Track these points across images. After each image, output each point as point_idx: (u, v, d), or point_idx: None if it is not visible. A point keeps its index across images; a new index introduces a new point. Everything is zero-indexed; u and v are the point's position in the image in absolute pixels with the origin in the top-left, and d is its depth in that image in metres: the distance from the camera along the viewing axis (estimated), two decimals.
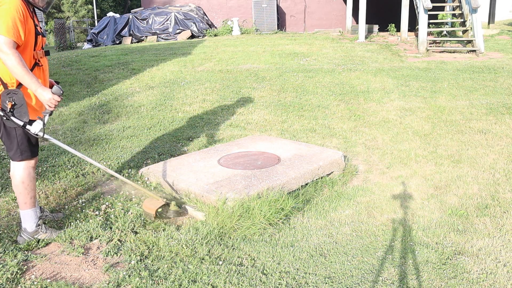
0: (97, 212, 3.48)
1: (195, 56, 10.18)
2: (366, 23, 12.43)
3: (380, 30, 14.36)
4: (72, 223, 3.32)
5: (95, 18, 28.18)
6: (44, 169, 4.40)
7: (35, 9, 3.01)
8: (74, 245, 3.07)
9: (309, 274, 2.76)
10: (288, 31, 16.78)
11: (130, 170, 4.35)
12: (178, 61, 9.66)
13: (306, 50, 10.56)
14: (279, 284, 2.66)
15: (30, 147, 3.01)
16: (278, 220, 3.33)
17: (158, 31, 15.20)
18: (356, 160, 4.66)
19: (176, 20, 15.21)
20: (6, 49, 2.68)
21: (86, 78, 8.35)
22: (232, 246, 3.07)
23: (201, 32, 15.11)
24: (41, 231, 3.14)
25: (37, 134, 2.93)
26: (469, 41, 10.60)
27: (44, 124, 2.88)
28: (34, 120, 2.90)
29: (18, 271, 2.75)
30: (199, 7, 16.50)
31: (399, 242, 3.13)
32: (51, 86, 2.91)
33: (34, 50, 2.91)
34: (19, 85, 2.85)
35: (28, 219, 3.10)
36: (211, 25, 16.04)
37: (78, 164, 4.53)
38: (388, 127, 5.58)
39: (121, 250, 3.01)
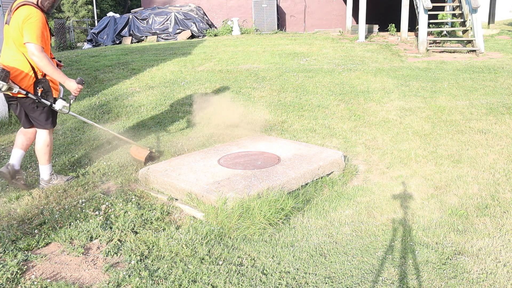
0: (97, 212, 3.48)
1: (195, 56, 10.19)
2: (366, 23, 12.43)
3: (380, 30, 14.37)
4: (72, 223, 3.33)
5: (95, 18, 28.16)
6: None
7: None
8: (74, 245, 3.07)
9: (309, 274, 2.76)
10: (288, 31, 16.78)
11: (129, 169, 4.36)
12: (178, 61, 9.66)
13: (306, 50, 10.56)
14: (279, 284, 2.66)
15: (54, 119, 3.95)
16: (278, 220, 3.33)
17: (158, 31, 15.21)
18: (356, 160, 4.66)
19: (176, 20, 15.21)
20: (38, 53, 3.52)
21: (86, 78, 8.35)
22: (232, 246, 3.07)
23: (201, 32, 15.12)
24: (53, 178, 4.03)
25: (61, 110, 3.85)
26: (469, 41, 10.60)
27: (70, 104, 3.86)
28: (56, 100, 3.85)
29: (18, 271, 2.75)
30: (199, 7, 16.50)
31: (399, 242, 3.13)
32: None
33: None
34: (44, 75, 3.73)
35: (46, 171, 3.99)
36: (211, 25, 16.04)
37: (78, 164, 4.54)
38: (388, 127, 5.58)
39: (121, 250, 3.01)
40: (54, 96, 3.86)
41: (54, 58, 3.86)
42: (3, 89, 3.57)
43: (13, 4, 3.64)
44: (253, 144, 4.67)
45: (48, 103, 3.79)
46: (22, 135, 4.00)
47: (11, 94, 3.71)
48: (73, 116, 4.36)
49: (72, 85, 3.74)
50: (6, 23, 3.68)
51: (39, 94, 3.72)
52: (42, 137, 3.90)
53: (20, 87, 3.63)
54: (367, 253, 2.99)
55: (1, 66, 3.55)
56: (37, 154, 3.95)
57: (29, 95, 3.69)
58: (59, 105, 3.83)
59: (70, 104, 3.86)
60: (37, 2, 3.62)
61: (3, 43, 3.73)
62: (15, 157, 3.93)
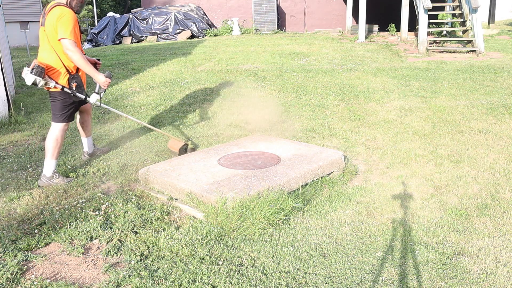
0: (97, 212, 3.48)
1: (195, 56, 10.19)
2: (366, 23, 12.43)
3: (380, 30, 14.37)
4: (72, 223, 3.33)
5: (95, 18, 28.14)
6: None
7: None
8: (74, 245, 3.07)
9: (309, 274, 2.76)
10: (288, 31, 16.78)
11: (129, 169, 4.36)
12: (178, 61, 9.66)
13: (306, 50, 10.57)
14: (279, 284, 2.66)
15: (69, 114, 4.14)
16: (278, 220, 3.33)
17: (158, 31, 15.20)
18: (356, 160, 4.66)
19: (176, 20, 15.21)
20: (72, 47, 3.85)
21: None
22: (232, 246, 3.06)
23: (201, 32, 15.12)
24: (55, 177, 4.07)
25: (95, 103, 4.16)
26: (469, 41, 10.60)
27: (100, 97, 4.17)
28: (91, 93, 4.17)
29: (18, 271, 2.75)
30: (199, 7, 16.50)
31: (399, 242, 3.13)
32: (92, 63, 4.32)
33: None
34: (77, 70, 4.06)
35: (50, 167, 4.06)
36: (211, 25, 16.04)
37: (78, 164, 4.54)
38: (388, 127, 5.57)
39: (121, 250, 3.01)
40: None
41: (85, 54, 4.21)
42: (40, 84, 3.86)
43: (46, 7, 4.04)
44: (253, 144, 4.67)
45: (83, 97, 4.10)
46: (79, 126, 4.58)
47: (46, 89, 4.02)
48: (105, 108, 4.63)
49: (101, 78, 4.09)
50: (41, 25, 4.01)
51: (74, 88, 4.04)
52: (54, 131, 4.10)
53: (56, 82, 3.95)
54: (367, 253, 2.99)
55: (37, 63, 3.86)
56: (46, 147, 4.10)
57: (65, 89, 4.00)
58: (93, 98, 4.14)
59: (101, 97, 4.17)
60: (67, 2, 3.97)
61: (39, 43, 4.04)
62: (85, 145, 4.63)
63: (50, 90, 4.02)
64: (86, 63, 3.96)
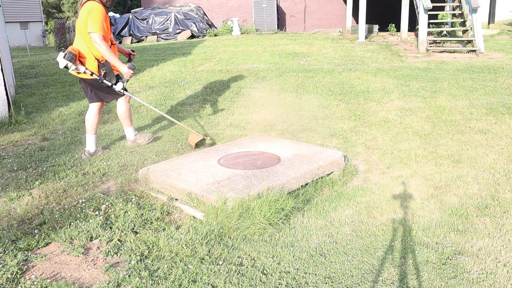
0: (97, 212, 3.48)
1: (195, 56, 10.19)
2: (366, 23, 12.43)
3: (380, 30, 14.37)
4: (72, 223, 3.33)
5: None
6: (44, 169, 4.41)
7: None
8: (74, 245, 3.07)
9: (309, 274, 2.76)
10: (288, 31, 16.78)
11: (129, 169, 4.36)
12: (178, 61, 9.67)
13: (306, 50, 10.57)
14: (279, 284, 2.66)
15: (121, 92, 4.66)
16: (278, 220, 3.33)
17: (158, 31, 15.21)
18: (356, 160, 4.66)
19: (176, 20, 15.22)
20: (99, 41, 4.23)
21: None
22: (232, 246, 3.07)
23: (201, 32, 15.12)
24: (137, 138, 4.89)
25: (120, 91, 4.58)
26: (469, 41, 10.60)
27: (124, 85, 4.57)
28: (118, 82, 4.57)
29: (18, 271, 2.75)
30: (199, 7, 16.51)
31: (399, 242, 3.13)
32: (127, 54, 4.88)
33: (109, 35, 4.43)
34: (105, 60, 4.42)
35: (131, 132, 4.90)
36: (211, 25, 16.05)
37: (78, 164, 4.54)
38: (388, 127, 5.58)
39: (121, 250, 3.01)
40: (115, 74, 4.57)
41: (114, 44, 4.59)
42: (71, 68, 4.25)
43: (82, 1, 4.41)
44: (253, 144, 4.67)
45: (110, 84, 4.49)
46: (88, 119, 4.69)
47: (77, 74, 4.38)
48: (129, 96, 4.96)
49: (125, 69, 4.46)
50: (77, 17, 4.40)
51: (102, 75, 4.41)
52: (122, 104, 4.72)
53: (86, 68, 4.34)
54: (367, 253, 2.99)
55: (70, 49, 4.24)
56: (120, 119, 4.83)
57: (94, 75, 4.38)
58: (119, 86, 4.55)
59: (124, 85, 4.57)
60: None
61: (75, 34, 4.45)
62: (88, 143, 4.75)
63: (91, 79, 4.40)
64: (111, 55, 4.32)
